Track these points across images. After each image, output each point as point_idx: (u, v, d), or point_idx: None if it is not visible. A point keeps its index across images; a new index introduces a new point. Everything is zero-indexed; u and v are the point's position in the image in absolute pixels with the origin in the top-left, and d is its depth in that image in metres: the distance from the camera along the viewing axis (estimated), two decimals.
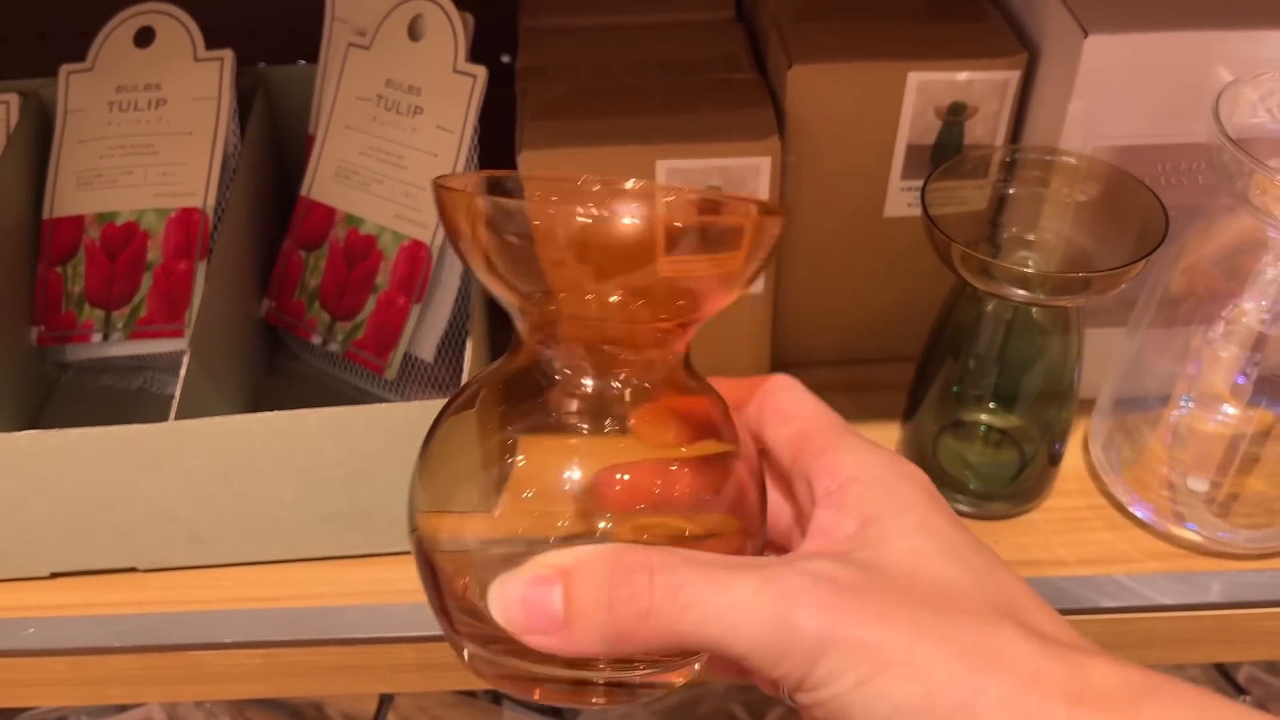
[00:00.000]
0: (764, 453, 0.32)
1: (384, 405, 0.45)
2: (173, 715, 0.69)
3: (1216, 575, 0.49)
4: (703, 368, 0.33)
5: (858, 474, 0.29)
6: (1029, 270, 0.43)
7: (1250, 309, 0.48)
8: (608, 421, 0.30)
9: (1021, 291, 0.44)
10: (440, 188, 0.29)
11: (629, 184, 0.31)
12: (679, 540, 0.30)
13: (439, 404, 0.45)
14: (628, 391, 0.31)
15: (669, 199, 0.32)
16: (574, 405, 0.30)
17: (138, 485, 0.46)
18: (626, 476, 0.30)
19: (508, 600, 0.27)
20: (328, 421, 0.45)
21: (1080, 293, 0.43)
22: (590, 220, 0.27)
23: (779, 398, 0.32)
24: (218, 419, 0.45)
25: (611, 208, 0.29)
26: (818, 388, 0.59)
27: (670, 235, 0.27)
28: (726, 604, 0.25)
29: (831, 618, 0.25)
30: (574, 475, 0.30)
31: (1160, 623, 0.48)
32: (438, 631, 0.47)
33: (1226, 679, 0.66)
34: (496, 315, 0.61)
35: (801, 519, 0.31)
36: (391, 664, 0.48)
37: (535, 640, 0.26)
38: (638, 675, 0.29)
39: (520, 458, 0.31)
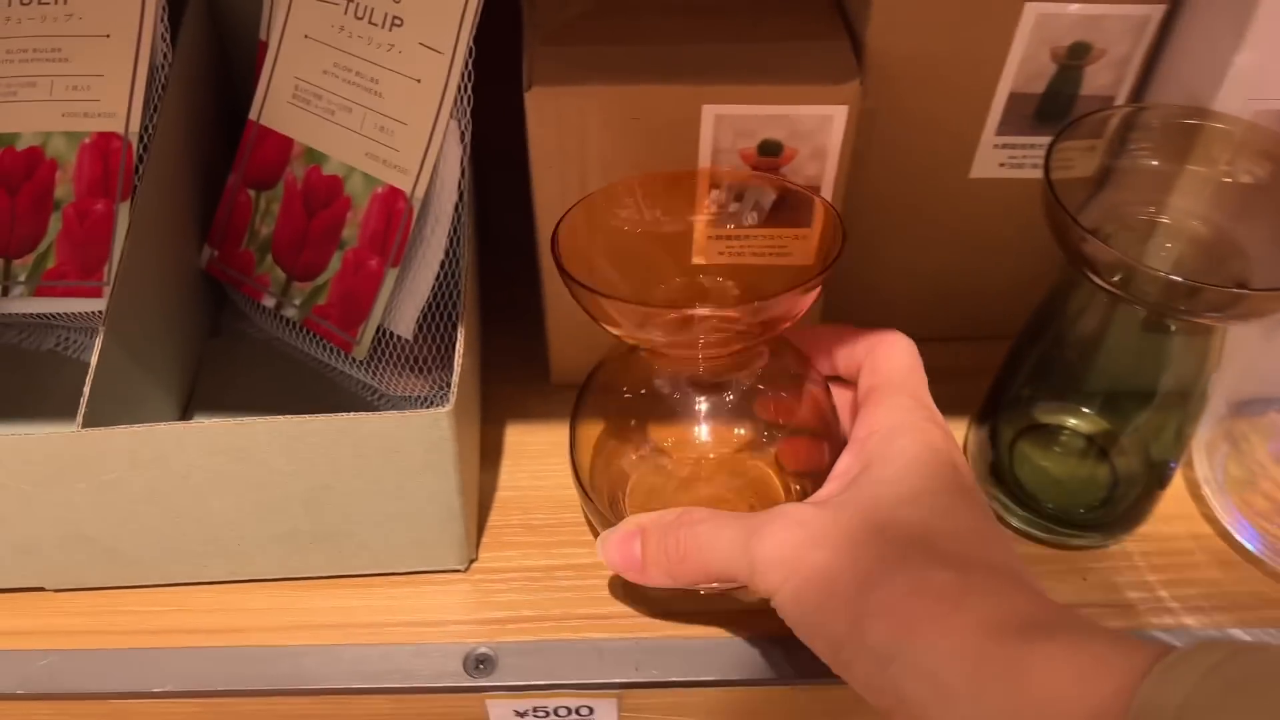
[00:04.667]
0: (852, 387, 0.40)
1: (351, 416, 0.35)
2: None
3: None
4: None
5: (879, 427, 0.36)
6: (1187, 281, 0.33)
7: None
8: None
9: (1164, 303, 0.34)
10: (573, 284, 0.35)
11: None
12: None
13: (420, 415, 0.36)
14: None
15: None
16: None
17: (37, 500, 0.37)
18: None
19: (608, 549, 0.37)
20: (281, 433, 0.36)
21: (1240, 314, 0.34)
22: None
23: (879, 352, 0.38)
24: (137, 428, 0.35)
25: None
26: None
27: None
28: (721, 543, 0.34)
29: (773, 546, 0.33)
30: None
31: None
32: (417, 683, 0.39)
33: None
34: (490, 289, 0.51)
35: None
36: (363, 716, 0.40)
37: (628, 576, 0.37)
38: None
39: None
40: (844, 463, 0.36)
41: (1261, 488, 0.44)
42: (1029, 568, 0.32)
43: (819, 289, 0.35)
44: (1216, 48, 0.37)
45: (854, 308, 0.48)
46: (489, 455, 0.46)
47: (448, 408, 0.36)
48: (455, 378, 0.37)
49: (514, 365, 0.49)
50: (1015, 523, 0.44)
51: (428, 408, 0.45)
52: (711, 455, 0.42)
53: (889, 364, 0.38)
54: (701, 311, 0.35)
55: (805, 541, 0.33)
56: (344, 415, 0.36)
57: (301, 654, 0.39)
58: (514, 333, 0.50)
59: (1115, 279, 0.35)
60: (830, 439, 0.40)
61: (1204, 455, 0.46)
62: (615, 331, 0.36)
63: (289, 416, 0.35)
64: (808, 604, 0.32)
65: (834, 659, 0.32)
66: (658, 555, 0.36)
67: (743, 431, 0.42)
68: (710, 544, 0.34)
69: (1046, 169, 0.36)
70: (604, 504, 0.41)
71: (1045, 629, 0.29)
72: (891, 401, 0.36)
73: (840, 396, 0.41)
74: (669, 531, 0.35)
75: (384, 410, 0.47)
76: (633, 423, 0.42)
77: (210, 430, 0.35)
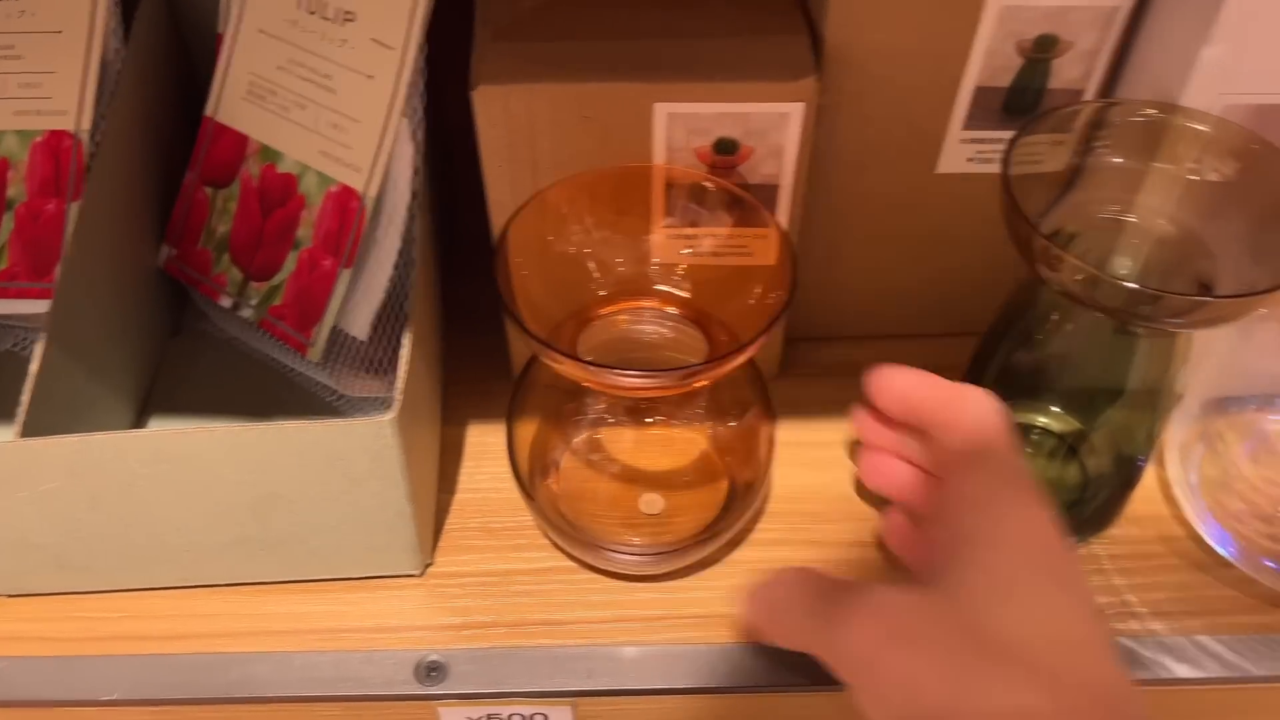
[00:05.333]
0: (930, 441, 0.36)
1: (294, 425, 0.35)
2: None
3: None
4: None
5: (974, 498, 0.32)
6: (1145, 289, 0.32)
7: None
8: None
9: (1124, 309, 0.33)
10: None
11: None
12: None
13: (363, 423, 0.35)
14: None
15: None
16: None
17: None
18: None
19: (743, 600, 0.35)
20: (223, 442, 0.35)
21: (1202, 320, 0.33)
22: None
23: (963, 409, 0.35)
24: (73, 438, 0.34)
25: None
26: (842, 367, 0.50)
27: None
28: (804, 621, 0.32)
29: (856, 640, 0.30)
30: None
31: (1245, 695, 0.40)
32: (368, 691, 0.39)
33: None
34: (454, 287, 0.50)
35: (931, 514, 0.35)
36: None
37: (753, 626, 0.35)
38: None
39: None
40: (936, 533, 0.33)
41: (1235, 489, 0.44)
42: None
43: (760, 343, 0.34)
44: (1185, 41, 0.36)
45: (820, 306, 0.48)
46: (449, 456, 0.46)
47: (390, 415, 0.35)
48: (400, 384, 0.36)
49: (477, 364, 0.48)
50: None
51: (383, 411, 0.45)
52: (650, 436, 0.44)
53: (976, 423, 0.34)
54: (641, 381, 0.34)
55: (889, 637, 0.29)
56: (287, 423, 0.35)
57: (252, 661, 0.39)
58: (478, 331, 0.49)
59: (1075, 282, 0.34)
60: (760, 415, 0.42)
61: (1177, 456, 0.45)
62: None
63: (231, 425, 0.35)
64: (890, 708, 0.29)
65: None
66: (756, 614, 0.34)
67: (678, 419, 0.44)
68: (791, 618, 0.33)
69: (1005, 167, 0.35)
70: (544, 502, 0.40)
71: None
72: (984, 470, 0.33)
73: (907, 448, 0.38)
74: (768, 586, 0.34)
75: (344, 411, 0.46)
76: (568, 414, 0.43)
77: (150, 439, 0.35)
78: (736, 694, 0.38)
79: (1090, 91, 0.40)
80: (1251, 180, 0.35)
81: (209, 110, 0.45)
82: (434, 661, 0.39)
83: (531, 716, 0.39)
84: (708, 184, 0.38)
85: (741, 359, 0.34)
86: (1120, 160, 0.38)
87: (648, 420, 0.44)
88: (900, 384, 0.37)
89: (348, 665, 0.39)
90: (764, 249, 0.39)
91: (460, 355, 0.49)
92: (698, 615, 0.40)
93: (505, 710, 0.39)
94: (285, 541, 0.39)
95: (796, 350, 0.49)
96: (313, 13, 0.42)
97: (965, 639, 0.29)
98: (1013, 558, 0.30)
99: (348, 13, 0.41)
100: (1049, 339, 0.39)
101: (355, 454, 0.36)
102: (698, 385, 0.36)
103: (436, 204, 0.47)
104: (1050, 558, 0.30)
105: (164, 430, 0.34)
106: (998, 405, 0.34)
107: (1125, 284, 0.32)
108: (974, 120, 0.41)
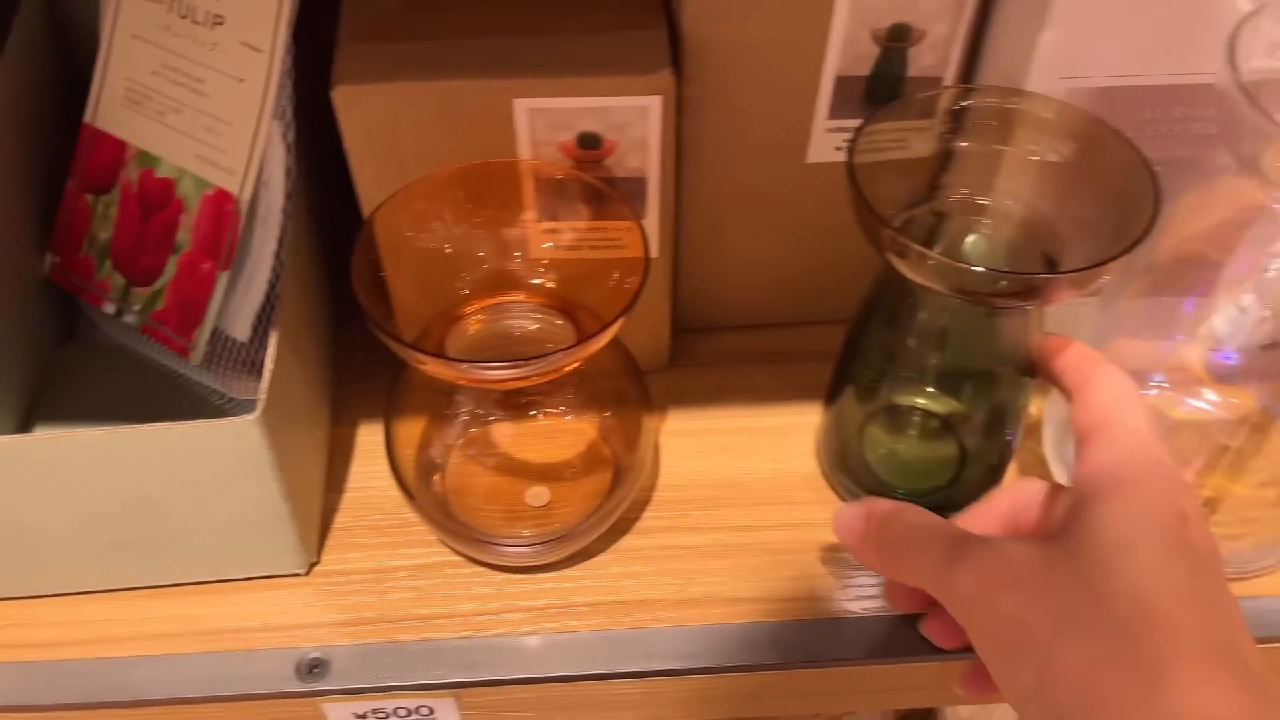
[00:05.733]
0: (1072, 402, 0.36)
1: (157, 426, 0.35)
2: None
3: None
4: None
5: (1103, 463, 0.32)
6: (983, 270, 0.33)
7: (1246, 279, 0.39)
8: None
9: (969, 293, 0.34)
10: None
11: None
12: None
13: (227, 424, 0.35)
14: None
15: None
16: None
17: None
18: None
19: (840, 516, 0.36)
20: (87, 446, 0.35)
21: (1045, 297, 0.34)
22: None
23: (1093, 390, 0.35)
24: None
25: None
26: (730, 356, 0.51)
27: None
28: (923, 557, 0.33)
29: (970, 581, 0.31)
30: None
31: None
32: (248, 690, 0.39)
33: None
34: (347, 287, 0.50)
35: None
36: None
37: (848, 547, 0.36)
38: None
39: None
40: (1062, 498, 0.33)
41: None
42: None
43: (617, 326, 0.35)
44: (1025, 26, 0.37)
45: (703, 297, 0.48)
46: (340, 454, 0.46)
47: (254, 415, 0.35)
48: (265, 384, 0.36)
49: (369, 364, 0.48)
50: None
51: None
52: (533, 430, 0.44)
53: (1105, 400, 0.34)
54: (507, 373, 0.36)
55: (1003, 581, 0.30)
56: (151, 425, 0.35)
57: (133, 665, 0.39)
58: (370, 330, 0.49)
59: (925, 267, 0.35)
60: (639, 404, 0.43)
61: (1052, 431, 0.46)
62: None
63: (95, 429, 0.35)
64: (1001, 648, 0.30)
65: (1020, 710, 0.30)
66: (873, 539, 0.35)
67: (559, 411, 0.45)
68: (912, 552, 0.33)
69: (851, 156, 0.35)
70: (427, 500, 0.41)
71: None
72: (1115, 440, 0.33)
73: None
74: (888, 520, 0.35)
75: (234, 414, 0.46)
76: (449, 413, 0.44)
77: (12, 446, 0.35)
78: (617, 680, 0.39)
79: (949, 78, 0.41)
80: (1091, 161, 0.36)
81: (87, 117, 0.46)
82: (315, 659, 0.39)
83: (416, 709, 0.40)
84: (566, 178, 0.39)
85: (601, 342, 0.35)
86: (976, 145, 0.39)
87: (530, 414, 0.44)
88: (1050, 348, 0.37)
89: (229, 665, 0.39)
90: (634, 241, 0.39)
91: (352, 355, 0.49)
92: (582, 604, 0.41)
93: (390, 704, 0.39)
94: (163, 544, 0.39)
95: (683, 341, 0.49)
96: (184, 17, 0.42)
97: (1077, 583, 0.29)
98: (1138, 517, 0.30)
99: (217, 16, 0.41)
100: (913, 321, 0.40)
101: (223, 454, 0.36)
102: (566, 370, 0.37)
103: (320, 204, 0.48)
104: (1169, 522, 0.30)
105: (24, 436, 0.35)
106: (1125, 380, 0.35)
107: (964, 267, 0.33)
108: (838, 110, 0.42)
